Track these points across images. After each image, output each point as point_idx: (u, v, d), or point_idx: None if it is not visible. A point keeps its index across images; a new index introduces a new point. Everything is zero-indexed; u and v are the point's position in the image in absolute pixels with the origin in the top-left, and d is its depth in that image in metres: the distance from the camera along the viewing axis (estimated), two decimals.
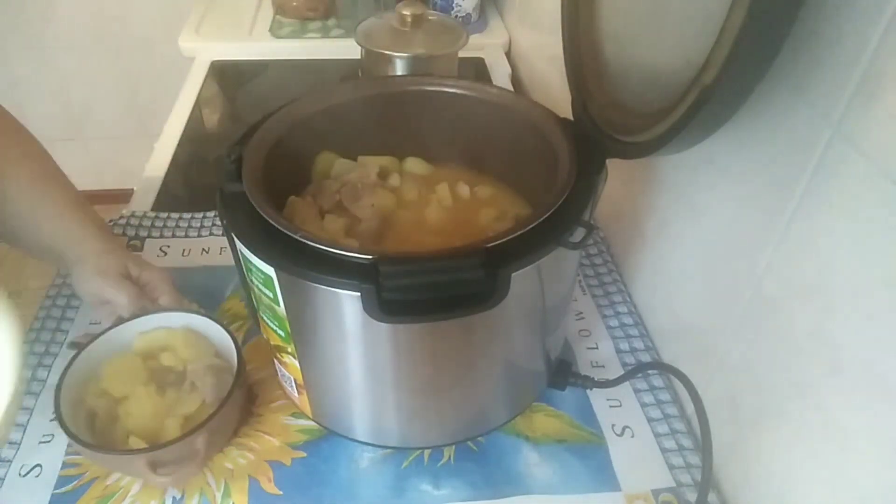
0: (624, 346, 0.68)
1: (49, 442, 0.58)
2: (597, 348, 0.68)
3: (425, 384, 0.52)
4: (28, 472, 0.56)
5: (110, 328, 0.59)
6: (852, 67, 0.38)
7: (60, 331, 0.68)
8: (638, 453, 0.58)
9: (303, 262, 0.43)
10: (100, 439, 0.54)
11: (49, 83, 1.99)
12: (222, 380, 0.56)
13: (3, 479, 0.55)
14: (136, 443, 0.53)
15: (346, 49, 1.13)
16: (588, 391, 0.63)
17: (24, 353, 0.65)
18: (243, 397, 0.59)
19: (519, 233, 0.44)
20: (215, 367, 0.58)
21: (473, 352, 0.51)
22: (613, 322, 0.71)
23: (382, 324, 0.43)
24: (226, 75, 1.21)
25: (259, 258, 0.45)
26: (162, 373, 0.58)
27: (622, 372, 0.64)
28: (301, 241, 0.43)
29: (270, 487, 0.55)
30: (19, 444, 0.58)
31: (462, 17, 1.29)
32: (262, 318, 0.53)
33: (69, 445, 0.58)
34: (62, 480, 0.55)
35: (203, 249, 0.79)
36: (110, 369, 0.57)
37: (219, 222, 0.74)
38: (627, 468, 0.57)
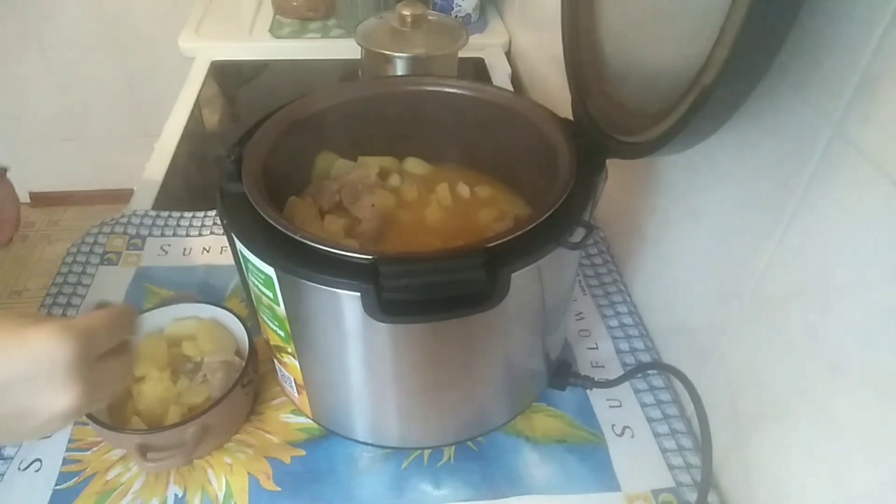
0: (624, 346, 0.68)
1: (49, 437, 0.58)
2: (597, 348, 0.68)
3: (425, 384, 0.52)
4: (27, 467, 0.56)
5: (148, 310, 0.61)
6: (852, 67, 0.38)
7: None
8: (638, 453, 0.58)
9: (303, 262, 0.43)
10: (112, 414, 0.55)
11: (49, 83, 1.99)
12: (231, 378, 0.57)
13: (3, 475, 0.55)
14: (137, 423, 0.54)
15: (346, 49, 1.13)
16: (588, 391, 0.63)
17: None
18: (247, 400, 0.59)
19: (519, 233, 0.44)
20: (229, 363, 0.59)
21: (473, 352, 0.51)
22: (613, 322, 0.71)
23: (382, 324, 0.43)
24: (226, 75, 1.21)
25: (259, 258, 0.45)
26: (181, 361, 0.60)
27: (622, 372, 0.64)
28: (301, 241, 0.43)
29: (269, 485, 0.55)
30: (21, 442, 0.58)
31: (462, 17, 1.29)
32: (262, 318, 0.53)
33: (70, 441, 0.58)
34: (63, 476, 0.55)
35: (203, 248, 0.79)
36: (137, 349, 0.58)
37: (219, 222, 0.74)
38: (627, 468, 0.57)
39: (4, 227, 0.63)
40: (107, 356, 0.36)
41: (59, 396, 0.32)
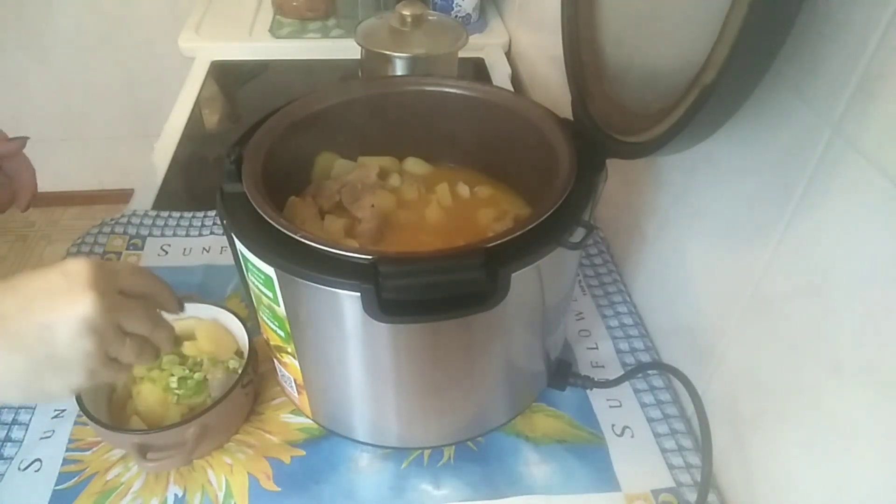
0: (624, 346, 0.68)
1: (49, 437, 0.58)
2: (597, 348, 0.68)
3: (425, 384, 0.52)
4: (27, 467, 0.56)
5: None
6: (852, 67, 0.38)
7: None
8: (638, 453, 0.58)
9: (303, 262, 0.43)
10: (112, 414, 0.55)
11: (49, 83, 1.99)
12: (231, 378, 0.57)
13: (3, 475, 0.55)
14: (137, 423, 0.54)
15: (346, 49, 1.13)
16: (588, 391, 0.63)
17: None
18: (247, 400, 0.59)
19: (519, 233, 0.44)
20: (229, 363, 0.59)
21: (473, 352, 0.51)
22: (613, 322, 0.71)
23: (382, 324, 0.43)
24: (226, 75, 1.21)
25: (259, 258, 0.45)
26: (181, 361, 0.59)
27: (622, 372, 0.64)
28: (301, 241, 0.43)
29: (269, 485, 0.55)
30: (21, 442, 0.58)
31: (462, 17, 1.29)
32: (262, 318, 0.53)
33: (70, 441, 0.58)
34: (63, 476, 0.55)
35: (203, 248, 0.79)
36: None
37: (219, 222, 0.74)
38: (627, 468, 0.57)
39: (22, 194, 0.63)
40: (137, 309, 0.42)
41: (75, 304, 0.37)
